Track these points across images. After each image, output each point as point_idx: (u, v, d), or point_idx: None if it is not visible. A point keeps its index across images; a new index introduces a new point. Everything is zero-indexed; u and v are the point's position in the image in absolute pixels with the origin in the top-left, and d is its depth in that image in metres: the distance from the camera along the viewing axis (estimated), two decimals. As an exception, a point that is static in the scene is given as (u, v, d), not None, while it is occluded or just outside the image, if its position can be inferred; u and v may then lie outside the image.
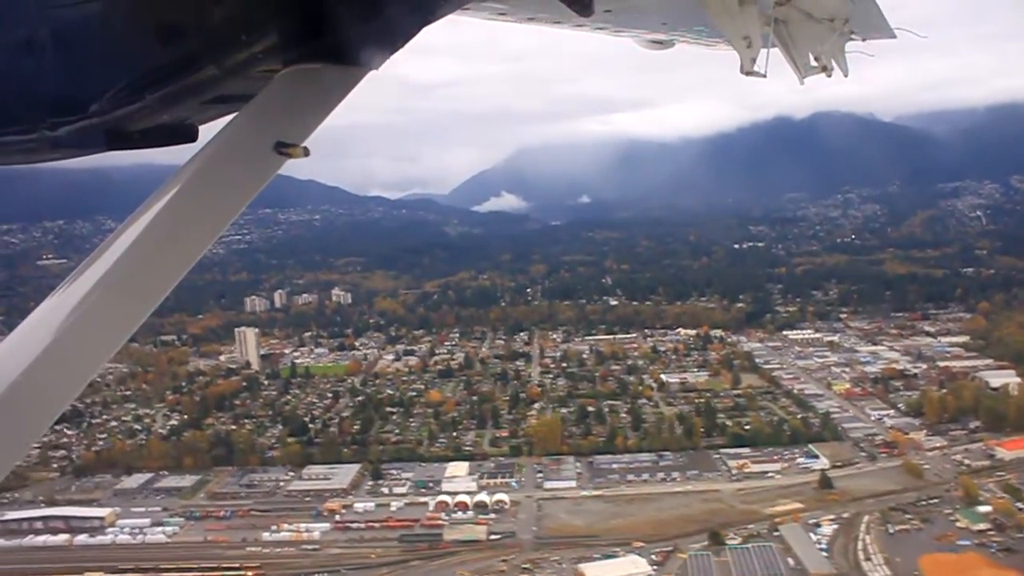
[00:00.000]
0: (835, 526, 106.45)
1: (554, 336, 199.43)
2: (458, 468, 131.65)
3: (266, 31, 3.45)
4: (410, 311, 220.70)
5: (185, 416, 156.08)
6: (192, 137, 3.99)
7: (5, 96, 3.69)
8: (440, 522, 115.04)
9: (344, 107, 3.68)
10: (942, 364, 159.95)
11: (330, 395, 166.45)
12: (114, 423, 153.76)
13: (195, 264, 3.23)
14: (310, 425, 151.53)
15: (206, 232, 3.24)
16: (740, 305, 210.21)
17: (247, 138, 3.41)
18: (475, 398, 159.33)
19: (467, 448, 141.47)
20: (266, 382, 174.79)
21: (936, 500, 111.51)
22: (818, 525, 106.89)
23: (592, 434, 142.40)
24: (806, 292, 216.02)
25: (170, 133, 3.90)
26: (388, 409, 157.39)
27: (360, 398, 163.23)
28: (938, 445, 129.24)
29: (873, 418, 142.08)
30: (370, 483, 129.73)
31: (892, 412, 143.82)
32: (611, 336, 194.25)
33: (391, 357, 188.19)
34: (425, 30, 3.79)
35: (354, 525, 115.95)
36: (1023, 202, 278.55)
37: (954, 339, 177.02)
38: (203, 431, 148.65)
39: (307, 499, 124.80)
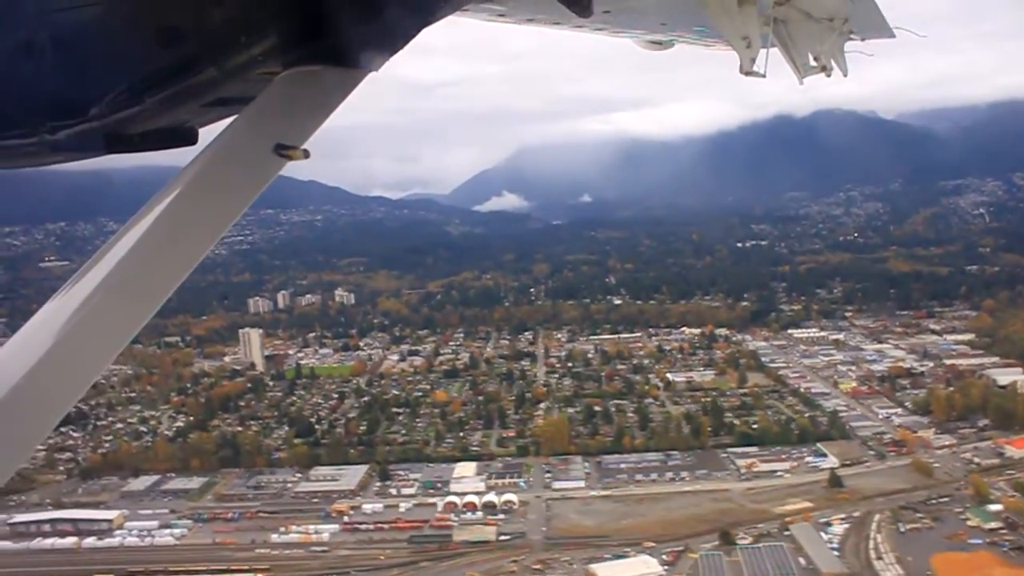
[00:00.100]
0: (846, 525, 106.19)
1: (558, 336, 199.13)
2: (466, 468, 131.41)
3: (265, 34, 3.44)
4: (414, 311, 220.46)
5: (191, 418, 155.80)
6: (192, 140, 3.98)
7: (5, 100, 3.67)
8: (449, 523, 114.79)
9: (344, 108, 3.68)
10: (948, 362, 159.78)
11: (336, 396, 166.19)
12: (120, 425, 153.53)
13: (197, 266, 3.23)
14: (316, 426, 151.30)
15: (207, 234, 3.23)
16: (744, 304, 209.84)
17: (247, 140, 3.39)
18: (481, 398, 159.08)
19: (474, 448, 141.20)
20: (271, 383, 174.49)
21: (946, 499, 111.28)
22: (829, 524, 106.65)
23: (599, 434, 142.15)
24: (810, 290, 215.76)
25: (170, 136, 3.89)
26: (394, 410, 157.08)
27: (366, 399, 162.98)
28: (947, 443, 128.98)
29: (881, 416, 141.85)
30: (378, 484, 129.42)
31: (900, 410, 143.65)
32: (616, 335, 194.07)
33: (396, 357, 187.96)
34: (424, 32, 3.79)
35: (363, 526, 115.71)
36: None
37: (960, 337, 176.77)
38: (209, 433, 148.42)
39: (315, 500, 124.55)
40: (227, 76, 3.46)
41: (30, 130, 3.63)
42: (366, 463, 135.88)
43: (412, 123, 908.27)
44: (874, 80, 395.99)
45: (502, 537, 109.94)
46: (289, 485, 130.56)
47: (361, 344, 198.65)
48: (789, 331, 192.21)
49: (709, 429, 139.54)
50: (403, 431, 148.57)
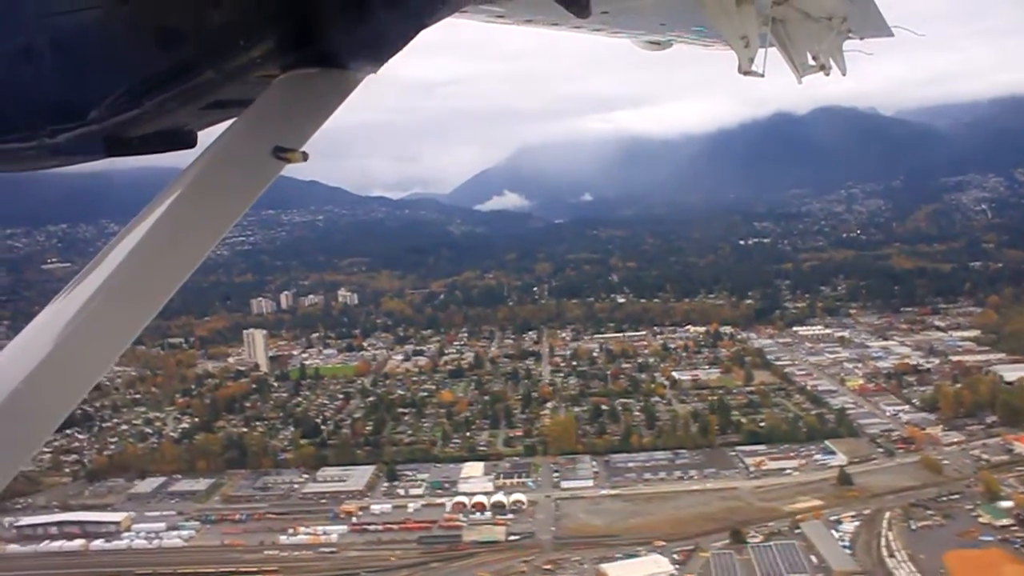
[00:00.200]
0: (857, 523, 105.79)
1: (563, 335, 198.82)
2: (474, 468, 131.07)
3: (264, 36, 3.44)
4: (417, 311, 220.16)
5: (196, 419, 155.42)
6: (191, 143, 3.99)
7: (5, 103, 3.65)
8: (458, 523, 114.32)
9: (344, 108, 3.69)
10: (955, 359, 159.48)
11: (341, 396, 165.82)
12: (125, 427, 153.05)
13: (197, 267, 3.26)
14: (322, 427, 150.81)
15: (207, 237, 3.25)
16: (749, 302, 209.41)
17: (246, 143, 3.41)
18: (487, 398, 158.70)
19: (481, 448, 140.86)
20: (276, 384, 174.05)
21: (957, 496, 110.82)
22: (839, 522, 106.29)
23: (606, 433, 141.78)
24: (814, 288, 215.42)
25: (169, 139, 3.87)
26: (400, 410, 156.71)
27: (371, 399, 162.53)
28: (955, 440, 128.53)
29: (888, 414, 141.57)
30: (385, 484, 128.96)
31: (907, 407, 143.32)
32: (620, 334, 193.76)
33: (400, 357, 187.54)
34: (422, 33, 3.78)
35: (372, 527, 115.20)
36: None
37: (965, 333, 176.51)
38: (215, 434, 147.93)
39: (323, 501, 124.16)
40: (226, 79, 3.43)
41: (29, 134, 3.59)
42: (373, 463, 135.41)
43: (412, 123, 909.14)
44: (874, 77, 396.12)
45: (512, 537, 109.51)
46: (296, 486, 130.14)
47: (365, 344, 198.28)
48: (794, 328, 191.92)
49: (716, 427, 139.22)
50: (409, 431, 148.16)
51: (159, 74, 3.37)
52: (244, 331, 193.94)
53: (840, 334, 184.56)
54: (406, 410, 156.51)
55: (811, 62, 6.48)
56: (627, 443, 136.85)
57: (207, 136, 3.84)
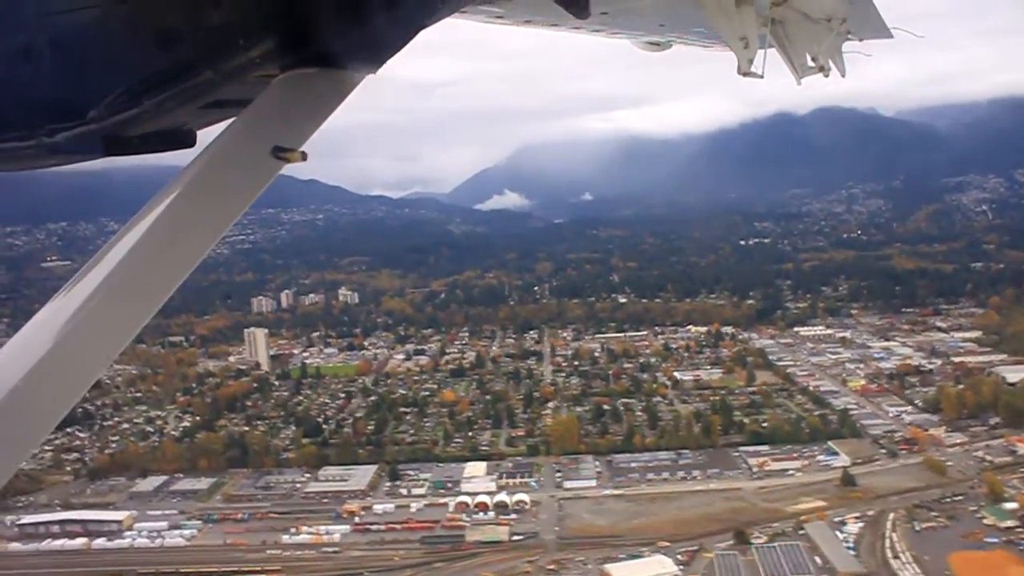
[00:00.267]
0: (861, 524, 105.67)
1: (564, 334, 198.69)
2: (476, 468, 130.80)
3: (263, 36, 3.44)
4: (418, 310, 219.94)
5: (197, 418, 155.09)
6: (190, 142, 3.97)
7: (3, 103, 3.66)
8: (461, 523, 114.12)
9: (343, 108, 3.70)
10: (957, 359, 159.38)
11: (342, 395, 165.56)
12: (126, 425, 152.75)
13: (197, 266, 3.27)
14: (324, 426, 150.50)
15: (206, 236, 3.27)
16: (750, 302, 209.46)
17: (245, 143, 3.42)
18: (489, 397, 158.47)
19: (483, 448, 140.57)
20: (277, 383, 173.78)
21: (961, 497, 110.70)
22: (843, 523, 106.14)
23: (609, 433, 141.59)
24: (815, 288, 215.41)
25: (168, 138, 3.87)
26: (402, 409, 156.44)
27: (373, 398, 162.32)
28: (958, 441, 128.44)
29: (891, 414, 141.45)
30: (388, 484, 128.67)
31: (910, 408, 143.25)
32: (622, 334, 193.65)
33: (401, 356, 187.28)
34: (421, 33, 3.78)
35: (374, 527, 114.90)
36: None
37: (967, 334, 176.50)
38: (216, 433, 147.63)
39: (325, 501, 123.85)
40: (225, 79, 3.41)
41: (28, 133, 3.58)
42: (375, 463, 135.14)
43: (412, 122, 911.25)
44: (874, 77, 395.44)
45: (515, 537, 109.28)
46: (298, 485, 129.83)
47: (366, 343, 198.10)
48: (795, 329, 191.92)
49: (719, 428, 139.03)
50: (411, 431, 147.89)
51: (158, 74, 3.35)
52: (245, 330, 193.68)
53: (841, 335, 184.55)
54: (408, 409, 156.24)
55: (810, 63, 6.49)
56: (630, 443, 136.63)
57: (206, 136, 3.80)
